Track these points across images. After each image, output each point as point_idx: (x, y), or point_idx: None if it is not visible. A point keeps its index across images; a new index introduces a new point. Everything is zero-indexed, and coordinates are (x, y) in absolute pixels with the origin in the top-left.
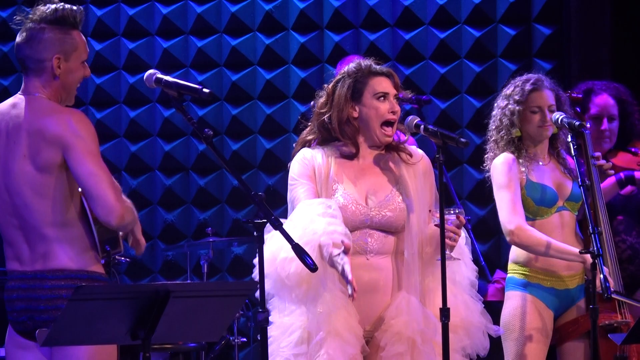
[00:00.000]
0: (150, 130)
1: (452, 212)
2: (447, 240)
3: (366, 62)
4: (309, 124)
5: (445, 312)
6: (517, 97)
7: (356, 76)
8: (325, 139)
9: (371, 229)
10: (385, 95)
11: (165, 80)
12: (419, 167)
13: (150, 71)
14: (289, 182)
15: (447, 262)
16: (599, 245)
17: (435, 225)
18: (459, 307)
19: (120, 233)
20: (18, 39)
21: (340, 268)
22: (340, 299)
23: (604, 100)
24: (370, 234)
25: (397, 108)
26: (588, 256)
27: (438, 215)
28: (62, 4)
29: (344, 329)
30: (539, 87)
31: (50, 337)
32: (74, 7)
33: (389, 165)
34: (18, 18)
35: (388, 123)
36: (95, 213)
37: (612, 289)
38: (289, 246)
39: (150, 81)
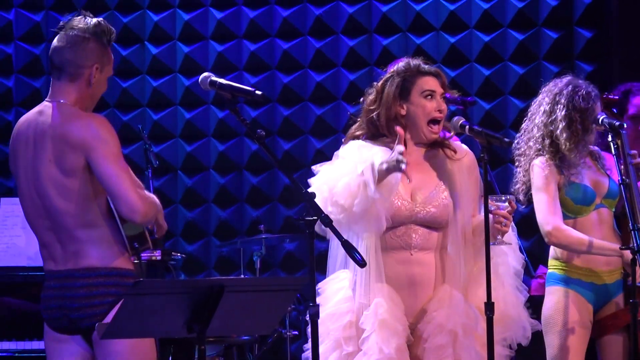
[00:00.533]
0: (205, 130)
1: (503, 198)
2: (498, 226)
3: (415, 61)
4: (358, 119)
5: (490, 307)
6: (583, 104)
7: (405, 75)
8: (373, 134)
9: (416, 225)
10: (432, 94)
11: (220, 82)
12: (463, 162)
13: (205, 74)
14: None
15: (493, 253)
16: (639, 241)
17: (490, 211)
18: (500, 299)
19: (147, 229)
20: (58, 43)
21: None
22: (387, 293)
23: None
24: (415, 229)
25: (444, 106)
26: (627, 252)
27: (493, 202)
28: (101, 19)
29: (391, 319)
30: (593, 96)
31: (110, 330)
32: (110, 26)
33: (435, 161)
34: (61, 24)
35: (434, 121)
36: (119, 212)
37: None
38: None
39: (205, 84)
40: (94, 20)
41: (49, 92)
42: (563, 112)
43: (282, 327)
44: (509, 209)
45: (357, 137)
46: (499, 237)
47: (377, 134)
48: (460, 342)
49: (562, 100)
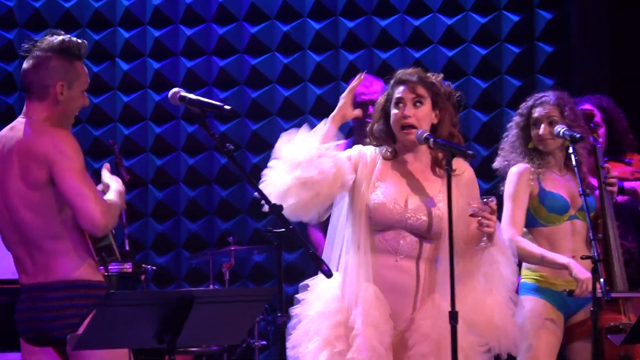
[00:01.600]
0: (175, 145)
1: (484, 199)
2: (481, 228)
3: (401, 71)
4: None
5: (453, 315)
6: (521, 111)
7: (390, 86)
8: (377, 144)
9: (405, 231)
10: (399, 101)
11: (189, 97)
12: (463, 177)
13: (175, 89)
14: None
15: (483, 261)
16: (598, 251)
17: (470, 215)
18: (488, 308)
19: (113, 241)
20: (25, 65)
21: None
22: (374, 292)
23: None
24: (404, 236)
25: (411, 112)
26: (571, 264)
27: (474, 205)
28: (68, 35)
29: (380, 318)
30: (540, 102)
31: (81, 341)
32: (79, 40)
33: (435, 172)
34: (26, 46)
35: (403, 127)
36: (80, 225)
37: (611, 292)
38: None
39: (174, 99)
40: (59, 37)
41: (23, 110)
42: (516, 120)
43: (250, 337)
44: (490, 210)
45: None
46: (485, 239)
47: (379, 143)
48: (444, 352)
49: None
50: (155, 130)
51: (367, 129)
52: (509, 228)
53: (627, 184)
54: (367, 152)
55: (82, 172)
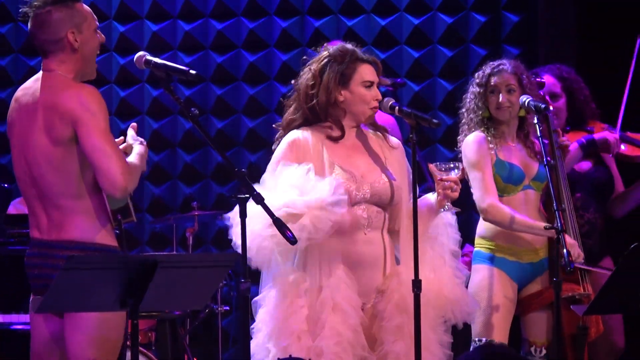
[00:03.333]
0: (140, 108)
1: (452, 165)
2: (448, 192)
3: (350, 46)
4: (292, 104)
5: (417, 284)
6: (478, 80)
7: (344, 61)
8: (309, 120)
9: (367, 203)
10: (372, 84)
11: (154, 61)
12: (398, 152)
13: (140, 53)
14: (274, 164)
15: (437, 232)
16: (562, 221)
17: (439, 180)
18: (439, 280)
19: (130, 203)
20: (29, 27)
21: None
22: (341, 274)
23: (545, 80)
24: (364, 208)
25: (380, 96)
26: (553, 231)
27: (439, 169)
28: None
29: (344, 301)
30: (498, 70)
31: (44, 304)
32: None
33: (374, 145)
34: (22, 10)
35: (374, 109)
36: (100, 185)
37: (573, 263)
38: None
39: (140, 62)
40: None
41: (42, 65)
42: (473, 89)
43: (213, 302)
44: (460, 175)
45: (294, 123)
46: (448, 204)
47: (314, 119)
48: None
49: (475, 76)
50: (119, 94)
51: (303, 101)
52: (486, 195)
53: (596, 135)
54: (300, 138)
55: (106, 131)
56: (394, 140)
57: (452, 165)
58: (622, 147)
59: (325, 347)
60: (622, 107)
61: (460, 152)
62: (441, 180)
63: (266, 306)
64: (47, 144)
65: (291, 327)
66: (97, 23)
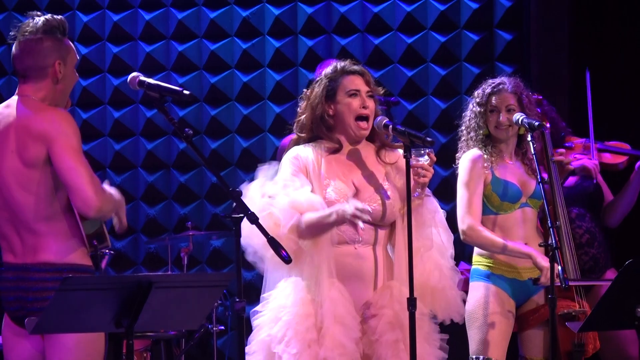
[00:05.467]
0: (134, 129)
1: (422, 151)
2: (416, 177)
3: (342, 63)
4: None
5: (412, 302)
6: (478, 100)
7: (331, 77)
8: (310, 138)
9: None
10: (357, 92)
11: (148, 82)
12: (398, 165)
13: (134, 74)
14: (280, 178)
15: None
16: (556, 238)
17: (410, 165)
18: (427, 273)
19: (106, 227)
20: (16, 51)
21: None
22: (337, 290)
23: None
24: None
25: (370, 104)
26: (534, 253)
27: (414, 156)
28: (50, 15)
29: (346, 313)
30: (497, 89)
31: (39, 325)
32: (59, 17)
33: (374, 161)
34: (12, 33)
35: (361, 118)
36: (74, 205)
37: (568, 280)
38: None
39: (133, 83)
40: (42, 18)
41: (17, 89)
42: (473, 108)
43: (209, 322)
44: (429, 160)
45: (301, 140)
46: (419, 189)
47: (312, 137)
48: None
49: (474, 94)
50: (113, 115)
51: (296, 123)
52: (467, 217)
53: (574, 164)
54: (305, 154)
55: (79, 151)
56: (395, 154)
57: (422, 152)
58: (607, 155)
59: (330, 358)
60: (591, 124)
61: (454, 167)
62: (412, 166)
63: (271, 305)
64: (20, 166)
65: (302, 334)
66: (77, 60)
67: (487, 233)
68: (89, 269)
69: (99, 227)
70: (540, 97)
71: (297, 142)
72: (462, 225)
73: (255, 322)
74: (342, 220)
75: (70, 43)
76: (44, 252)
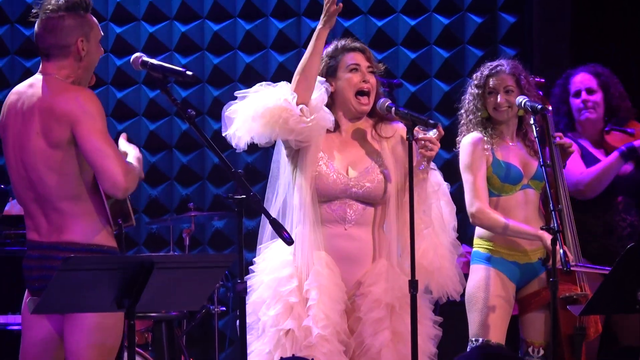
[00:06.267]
0: (136, 110)
1: (429, 123)
2: (423, 151)
3: (342, 41)
4: None
5: (414, 284)
6: (476, 82)
7: (332, 54)
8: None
9: (351, 200)
10: (357, 67)
11: (151, 63)
12: (396, 138)
13: (137, 54)
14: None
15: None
16: (558, 222)
17: (416, 140)
18: (428, 252)
19: (130, 206)
20: (38, 29)
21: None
22: (325, 261)
23: (580, 76)
24: (350, 204)
25: (371, 79)
26: (545, 234)
27: (421, 129)
28: None
29: (332, 286)
30: (495, 71)
31: (41, 305)
32: None
33: (369, 138)
34: (34, 11)
35: (362, 93)
36: (101, 186)
37: (570, 263)
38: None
39: (136, 64)
40: None
41: (40, 67)
42: (472, 90)
43: (210, 303)
44: (437, 134)
45: None
46: (424, 163)
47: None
48: (397, 314)
49: (473, 77)
50: (116, 95)
51: None
52: (475, 200)
53: (637, 142)
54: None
55: (105, 132)
56: (392, 128)
57: (432, 122)
58: None
59: (313, 328)
60: None
61: (456, 150)
62: (419, 139)
63: (259, 274)
64: (45, 147)
65: (283, 296)
66: (101, 35)
67: (496, 215)
68: (112, 250)
69: (124, 205)
70: (543, 80)
71: None
72: (471, 208)
73: (249, 282)
74: (328, 20)
75: (94, 18)
76: (69, 231)
